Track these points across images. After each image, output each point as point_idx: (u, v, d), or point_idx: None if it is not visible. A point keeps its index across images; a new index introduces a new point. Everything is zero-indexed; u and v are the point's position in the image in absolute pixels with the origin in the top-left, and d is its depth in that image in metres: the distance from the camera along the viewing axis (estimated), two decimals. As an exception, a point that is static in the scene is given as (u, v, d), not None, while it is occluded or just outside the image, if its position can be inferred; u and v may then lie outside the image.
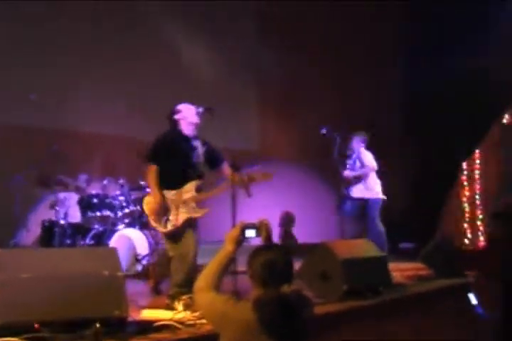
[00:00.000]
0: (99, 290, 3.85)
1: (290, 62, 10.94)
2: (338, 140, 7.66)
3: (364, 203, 8.18)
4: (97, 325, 3.68)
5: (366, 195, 8.16)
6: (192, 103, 5.62)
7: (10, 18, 8.29)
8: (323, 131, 7.60)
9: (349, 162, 8.37)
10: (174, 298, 4.95)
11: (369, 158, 8.29)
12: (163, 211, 5.23)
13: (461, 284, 6.39)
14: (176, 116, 5.49)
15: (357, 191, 8.23)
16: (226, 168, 5.53)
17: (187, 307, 4.66)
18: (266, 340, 2.67)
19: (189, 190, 5.30)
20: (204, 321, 4.16)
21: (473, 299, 4.44)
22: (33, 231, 7.72)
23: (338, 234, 8.62)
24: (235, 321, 2.76)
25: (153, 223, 5.32)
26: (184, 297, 4.79)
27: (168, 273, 5.62)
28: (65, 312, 3.70)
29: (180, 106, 5.54)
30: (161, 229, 5.26)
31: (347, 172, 8.21)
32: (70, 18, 8.74)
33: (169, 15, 9.70)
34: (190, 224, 5.29)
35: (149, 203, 5.32)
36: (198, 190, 5.35)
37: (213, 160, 5.60)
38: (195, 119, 5.48)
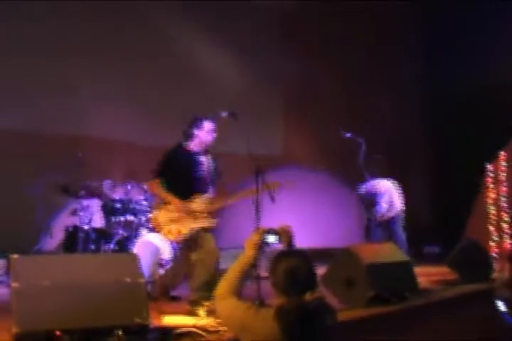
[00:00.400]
0: (120, 297, 3.82)
1: (313, 70, 10.96)
2: (364, 144, 7.59)
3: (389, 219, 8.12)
4: (119, 333, 3.65)
5: (391, 214, 8.06)
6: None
7: (19, 18, 8.28)
8: (347, 135, 7.55)
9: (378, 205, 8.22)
10: (196, 303, 4.92)
11: (395, 198, 8.18)
12: (176, 220, 5.34)
13: (488, 289, 6.28)
14: (195, 131, 5.52)
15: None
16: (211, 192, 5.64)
17: (210, 313, 4.62)
18: None
19: (199, 201, 5.43)
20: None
21: (501, 306, 4.33)
22: (56, 237, 7.72)
23: (362, 239, 8.58)
24: (256, 330, 2.72)
25: (163, 234, 5.49)
26: (207, 303, 4.75)
27: (179, 280, 5.67)
28: (87, 320, 3.67)
29: (205, 124, 5.56)
30: (170, 237, 5.42)
31: (380, 217, 8.15)
32: (78, 21, 8.74)
33: (188, 20, 9.71)
34: (207, 230, 5.41)
35: (155, 219, 5.49)
36: (208, 202, 5.47)
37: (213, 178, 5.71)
38: (210, 139, 5.56)
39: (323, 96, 11.16)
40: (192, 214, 5.36)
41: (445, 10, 11.84)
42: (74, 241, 7.36)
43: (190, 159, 5.52)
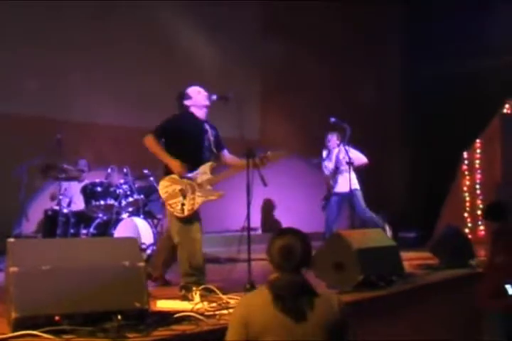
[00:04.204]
0: (119, 281, 3.75)
1: (293, 53, 10.91)
2: (349, 129, 7.56)
3: (347, 196, 8.09)
4: (119, 318, 3.60)
5: (347, 188, 8.03)
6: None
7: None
8: (332, 120, 7.50)
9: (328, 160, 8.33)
10: (188, 288, 4.87)
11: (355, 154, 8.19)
12: (178, 194, 5.16)
13: (469, 274, 6.39)
14: (186, 102, 5.44)
15: (341, 186, 8.16)
16: (227, 155, 5.58)
17: (203, 298, 4.58)
18: (283, 318, 2.75)
19: (204, 172, 5.26)
20: (224, 312, 4.13)
21: (510, 289, 4.40)
22: (34, 220, 7.60)
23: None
24: (256, 308, 2.81)
25: (169, 208, 5.20)
26: (199, 287, 4.72)
27: (170, 262, 5.62)
28: (86, 305, 3.60)
29: (190, 91, 5.49)
30: (178, 214, 5.15)
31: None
32: (64, 5, 8.57)
33: (168, 4, 9.58)
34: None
35: (165, 188, 5.22)
36: (213, 172, 5.32)
37: (218, 145, 5.56)
38: (206, 102, 5.44)
39: (301, 81, 11.14)
40: (198, 187, 5.18)
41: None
42: (53, 224, 7.26)
43: (196, 126, 5.39)
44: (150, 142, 5.25)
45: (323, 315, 2.79)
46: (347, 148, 7.86)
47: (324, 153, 8.51)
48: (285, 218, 10.80)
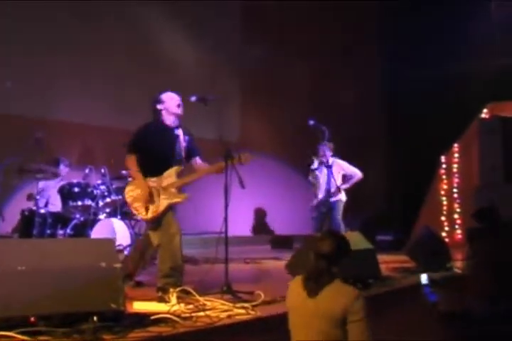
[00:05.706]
0: (96, 282, 3.73)
1: (273, 56, 10.94)
2: (327, 132, 7.57)
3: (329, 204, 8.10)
4: (95, 319, 3.58)
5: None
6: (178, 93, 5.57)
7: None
8: (311, 122, 7.50)
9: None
10: (165, 290, 4.85)
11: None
12: (145, 198, 5.22)
13: (447, 276, 6.44)
14: (159, 106, 5.47)
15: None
16: (198, 162, 5.61)
17: (180, 299, 4.57)
18: (303, 295, 3.27)
19: (169, 175, 5.32)
20: (200, 314, 4.12)
21: (424, 279, 4.48)
22: (11, 220, 7.53)
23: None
24: (293, 287, 3.40)
25: (134, 211, 5.35)
26: (176, 289, 4.70)
27: (143, 264, 5.68)
28: (62, 306, 3.58)
29: (164, 97, 5.51)
30: (142, 216, 5.28)
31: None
32: (48, 6, 8.52)
33: (152, 9, 9.58)
34: (171, 210, 5.30)
35: (130, 191, 5.33)
36: (178, 175, 5.37)
37: (190, 151, 5.59)
38: (177, 110, 5.47)
39: (281, 84, 11.17)
40: (162, 190, 5.24)
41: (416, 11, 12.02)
42: (30, 225, 7.19)
43: (165, 133, 5.42)
44: (129, 163, 5.37)
45: (328, 300, 3.20)
46: (340, 162, 7.90)
47: (316, 163, 8.26)
48: (266, 220, 10.84)
